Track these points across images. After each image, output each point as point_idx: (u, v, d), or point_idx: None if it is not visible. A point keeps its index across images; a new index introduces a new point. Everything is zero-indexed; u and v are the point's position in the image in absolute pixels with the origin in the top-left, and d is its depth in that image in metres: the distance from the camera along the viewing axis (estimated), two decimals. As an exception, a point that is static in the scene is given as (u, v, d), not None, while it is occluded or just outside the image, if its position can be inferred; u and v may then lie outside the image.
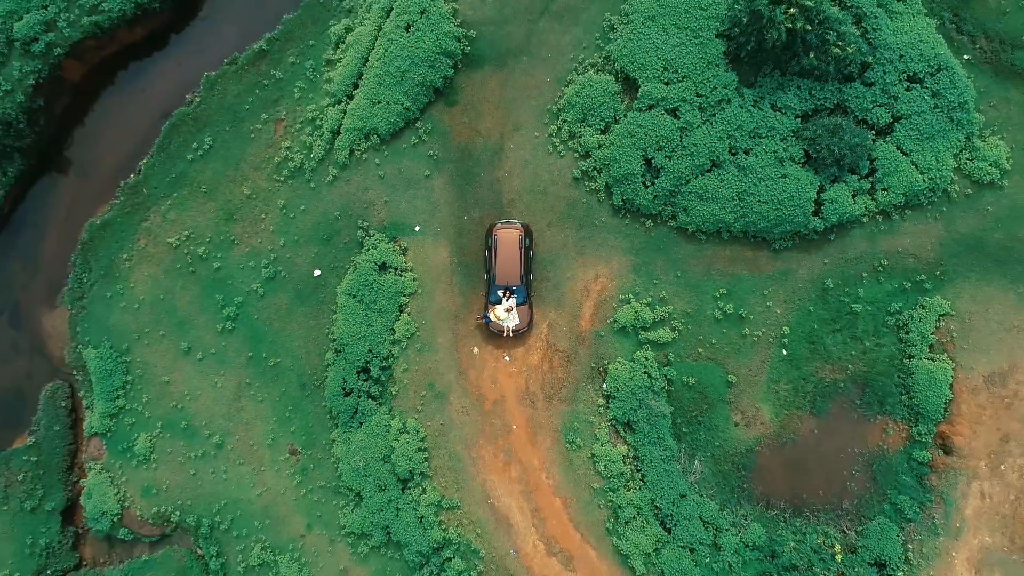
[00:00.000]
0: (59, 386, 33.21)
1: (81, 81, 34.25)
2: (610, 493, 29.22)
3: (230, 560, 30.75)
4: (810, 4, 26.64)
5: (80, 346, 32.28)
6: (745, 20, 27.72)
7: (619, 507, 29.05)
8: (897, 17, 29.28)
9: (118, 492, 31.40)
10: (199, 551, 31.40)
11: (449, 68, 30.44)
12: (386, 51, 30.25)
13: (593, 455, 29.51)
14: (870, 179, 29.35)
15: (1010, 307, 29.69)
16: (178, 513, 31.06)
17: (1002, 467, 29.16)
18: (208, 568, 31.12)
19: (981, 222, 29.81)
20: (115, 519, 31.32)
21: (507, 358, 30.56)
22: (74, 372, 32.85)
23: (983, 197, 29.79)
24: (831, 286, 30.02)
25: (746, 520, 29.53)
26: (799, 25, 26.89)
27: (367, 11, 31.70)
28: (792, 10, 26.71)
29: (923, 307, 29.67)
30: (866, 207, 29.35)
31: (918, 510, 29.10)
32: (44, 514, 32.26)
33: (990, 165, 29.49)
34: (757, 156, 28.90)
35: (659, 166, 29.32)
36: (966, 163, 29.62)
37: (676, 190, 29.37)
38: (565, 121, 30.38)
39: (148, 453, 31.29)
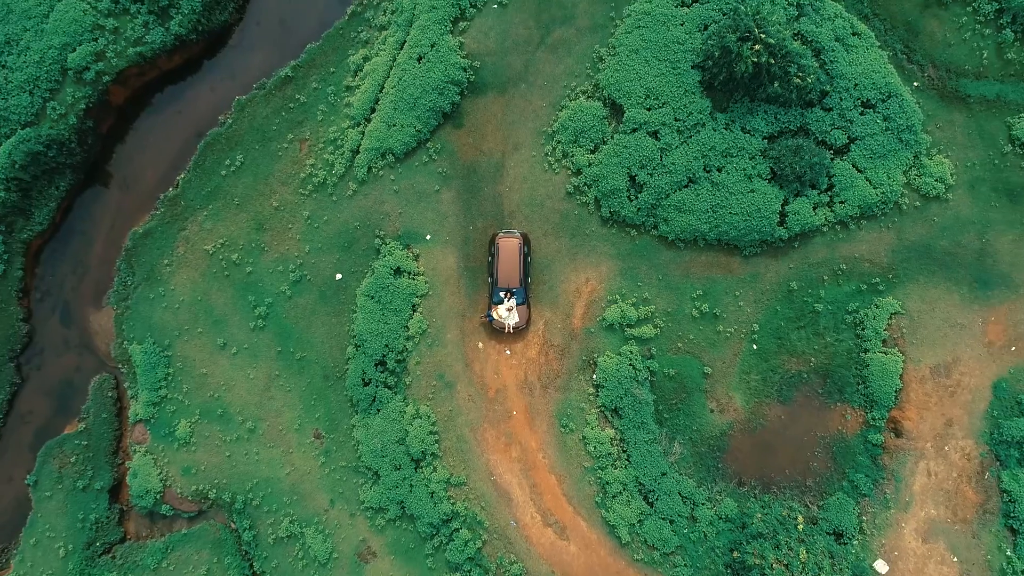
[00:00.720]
0: (106, 378, 36.69)
1: (124, 104, 37.74)
2: (599, 471, 32.82)
3: (261, 532, 34.26)
4: (772, 42, 30.35)
5: (126, 342, 35.81)
6: (717, 54, 31.32)
7: (607, 483, 32.66)
8: (853, 50, 32.91)
9: (160, 472, 34.85)
10: (233, 525, 34.92)
11: (456, 95, 34.03)
12: (400, 80, 33.91)
13: (584, 437, 33.13)
14: (829, 193, 32.98)
15: (954, 306, 33.25)
16: (215, 491, 34.52)
17: (946, 448, 32.74)
18: (241, 540, 34.65)
19: (928, 231, 33.40)
20: (157, 496, 34.71)
21: (508, 352, 34.18)
22: (119, 365, 36.25)
23: (930, 209, 33.39)
24: (795, 288, 33.62)
25: (720, 496, 33.08)
26: (764, 59, 30.52)
27: (383, 43, 35.34)
28: (757, 46, 30.36)
29: (877, 306, 33.19)
30: (825, 218, 33.00)
31: (872, 486, 32.59)
32: (94, 492, 35.62)
33: (936, 180, 33.12)
34: (728, 173, 32.53)
35: (642, 182, 32.97)
36: (914, 179, 33.27)
37: (657, 203, 33.04)
38: (559, 142, 34.00)
39: (188, 437, 34.79)
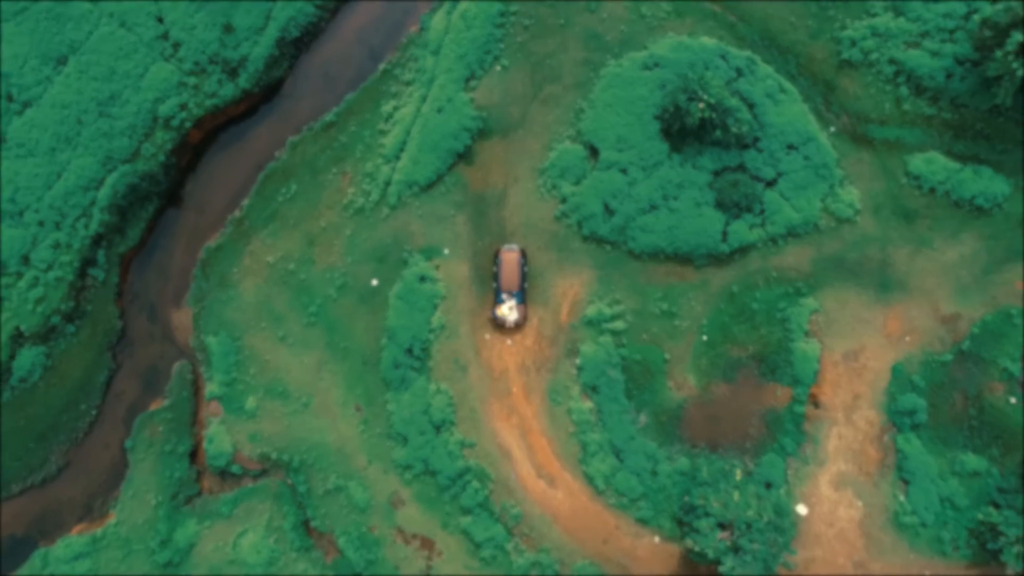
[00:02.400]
0: (185, 364, 44.39)
1: (199, 143, 45.75)
2: (581, 435, 40.81)
3: (313, 486, 42.04)
4: (713, 100, 38.76)
5: (203, 335, 43.72)
6: (671, 109, 39.74)
7: (587, 444, 40.66)
8: (780, 103, 41.20)
9: (232, 439, 42.42)
10: (290, 481, 42.61)
11: (468, 139, 42.25)
12: (424, 127, 42.32)
13: (569, 409, 41.18)
14: (761, 216, 41.09)
15: (862, 305, 41.11)
16: (276, 453, 42.18)
17: (854, 417, 40.70)
18: (296, 492, 42.42)
19: (841, 246, 41.28)
20: (229, 458, 42.26)
21: (509, 342, 42.28)
22: (196, 354, 44.08)
23: (842, 228, 41.31)
24: (737, 291, 41.54)
25: (676, 455, 40.84)
26: (707, 114, 38.80)
27: (409, 96, 43.71)
28: (702, 104, 38.68)
29: (800, 306, 40.93)
30: (759, 236, 41.06)
31: (796, 447, 40.39)
32: (177, 455, 43.24)
33: (847, 206, 41.20)
34: (682, 201, 40.82)
35: (614, 208, 41.18)
36: (830, 205, 41.27)
37: (626, 225, 41.28)
38: (549, 176, 42.19)
39: (254, 410, 42.61)
